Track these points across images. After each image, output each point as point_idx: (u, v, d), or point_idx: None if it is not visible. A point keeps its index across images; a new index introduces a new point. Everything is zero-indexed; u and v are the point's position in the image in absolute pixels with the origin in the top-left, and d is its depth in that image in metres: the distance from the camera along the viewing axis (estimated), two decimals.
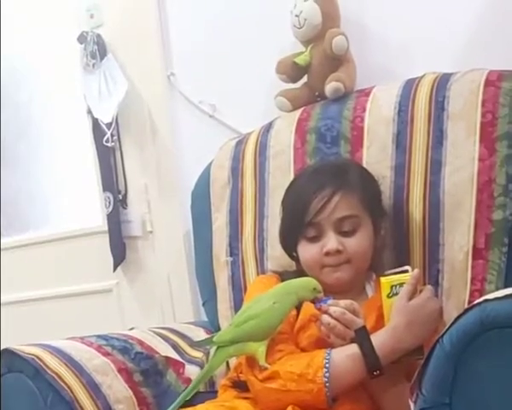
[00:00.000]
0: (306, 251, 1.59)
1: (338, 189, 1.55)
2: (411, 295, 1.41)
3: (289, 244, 1.66)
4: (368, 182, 1.63)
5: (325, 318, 1.43)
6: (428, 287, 1.46)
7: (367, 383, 1.43)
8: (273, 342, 1.48)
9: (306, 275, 1.58)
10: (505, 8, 1.77)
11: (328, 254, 1.55)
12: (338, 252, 1.55)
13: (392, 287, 1.44)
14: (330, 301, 1.44)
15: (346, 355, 1.39)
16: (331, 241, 1.55)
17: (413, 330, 1.38)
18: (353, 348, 1.40)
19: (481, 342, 1.10)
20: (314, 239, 1.57)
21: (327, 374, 1.37)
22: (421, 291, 1.44)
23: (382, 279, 1.46)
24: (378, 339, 1.39)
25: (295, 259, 1.67)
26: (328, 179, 1.57)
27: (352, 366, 1.39)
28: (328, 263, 1.56)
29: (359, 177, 1.62)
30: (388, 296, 1.44)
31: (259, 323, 1.46)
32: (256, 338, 1.46)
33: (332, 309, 1.42)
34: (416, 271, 1.46)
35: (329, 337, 1.43)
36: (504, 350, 1.08)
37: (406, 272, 1.47)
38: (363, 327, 1.42)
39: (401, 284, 1.43)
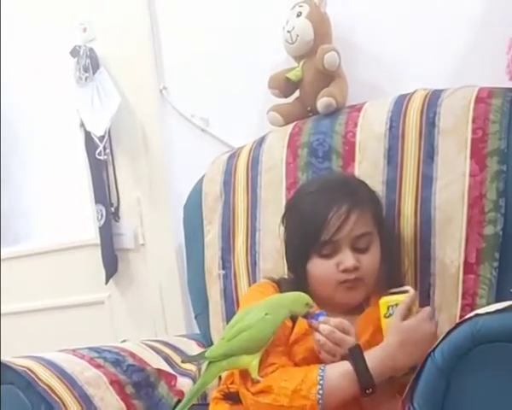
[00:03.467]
0: (321, 268, 1.56)
1: (354, 206, 1.54)
2: (405, 316, 1.40)
3: (298, 261, 1.62)
4: (375, 198, 1.63)
5: (316, 335, 1.43)
6: (426, 309, 1.44)
7: (361, 399, 1.42)
8: (266, 355, 1.48)
9: (303, 286, 1.58)
10: (496, 25, 1.79)
11: (345, 270, 1.54)
12: (355, 269, 1.54)
13: (388, 307, 1.43)
14: (322, 318, 1.44)
15: (339, 373, 1.39)
16: (348, 258, 1.53)
17: (406, 349, 1.37)
18: (347, 366, 1.39)
19: (472, 357, 1.11)
20: (328, 256, 1.55)
21: (320, 391, 1.37)
22: (418, 312, 1.43)
23: (381, 300, 1.45)
24: (371, 357, 1.39)
25: (299, 275, 1.62)
26: (343, 196, 1.55)
27: (345, 384, 1.38)
28: (346, 278, 1.54)
29: (368, 193, 1.62)
30: (385, 316, 1.44)
31: (252, 335, 1.46)
32: (249, 351, 1.46)
33: (321, 327, 1.43)
34: (412, 292, 1.44)
35: (320, 353, 1.44)
36: (495, 364, 1.10)
37: (406, 292, 1.46)
38: (358, 346, 1.41)
39: (397, 305, 1.43)
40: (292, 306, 1.48)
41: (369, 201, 1.60)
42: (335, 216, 1.52)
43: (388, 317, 1.43)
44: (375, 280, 1.60)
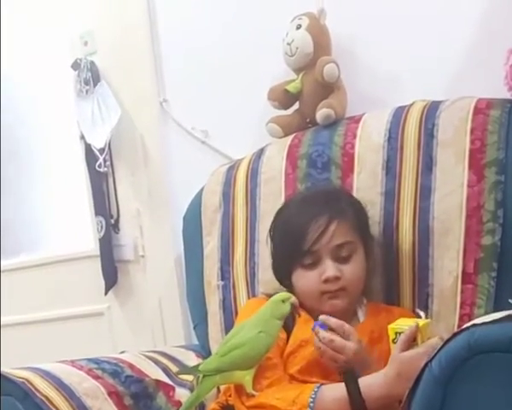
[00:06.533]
0: (303, 279, 1.59)
1: (334, 216, 1.56)
2: (406, 346, 1.37)
3: (283, 273, 1.66)
4: (358, 208, 1.65)
5: (317, 342, 1.44)
6: (430, 342, 1.37)
7: None
8: (260, 369, 1.49)
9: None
10: (494, 37, 1.80)
11: (327, 281, 1.55)
12: (336, 278, 1.55)
13: (396, 334, 1.40)
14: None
15: (332, 396, 1.40)
16: (330, 268, 1.55)
17: (402, 381, 1.32)
18: (341, 390, 1.40)
19: (470, 367, 1.10)
20: (311, 267, 1.57)
21: None
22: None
23: (389, 325, 1.42)
24: (368, 383, 1.39)
25: (287, 286, 1.65)
26: (323, 207, 1.58)
27: (336, 408, 1.39)
28: (327, 289, 1.56)
29: (350, 203, 1.64)
30: (393, 342, 1.41)
31: (245, 352, 1.47)
32: (242, 367, 1.47)
33: (321, 335, 1.43)
34: (415, 323, 1.39)
35: (322, 358, 1.44)
36: (492, 374, 1.09)
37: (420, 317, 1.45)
38: (352, 369, 1.42)
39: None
40: (275, 312, 1.49)
41: (351, 211, 1.62)
42: (315, 226, 1.55)
43: (395, 343, 1.41)
44: (364, 289, 1.62)
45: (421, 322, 1.40)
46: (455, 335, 1.14)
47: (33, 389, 1.56)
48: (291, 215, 1.64)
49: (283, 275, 1.66)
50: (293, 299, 1.50)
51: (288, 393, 1.42)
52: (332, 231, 1.56)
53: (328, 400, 1.39)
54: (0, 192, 2.75)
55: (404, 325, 1.41)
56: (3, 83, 2.67)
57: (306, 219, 1.57)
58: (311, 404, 1.38)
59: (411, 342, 1.37)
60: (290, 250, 1.60)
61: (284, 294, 1.52)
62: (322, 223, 1.55)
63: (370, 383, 1.39)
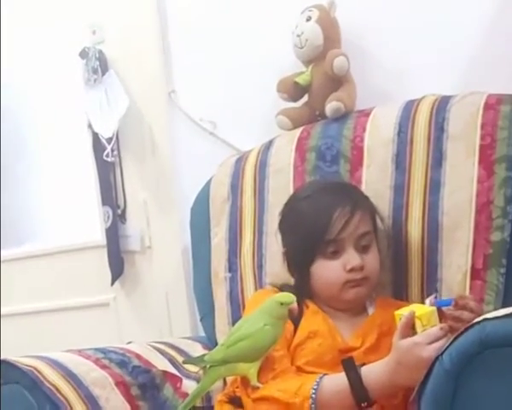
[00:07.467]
0: (326, 269, 1.57)
1: (356, 206, 1.57)
2: (404, 334, 1.34)
3: (301, 263, 1.62)
4: (370, 200, 1.66)
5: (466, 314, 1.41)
6: (429, 331, 1.33)
7: None
8: (267, 361, 1.49)
9: (305, 290, 1.60)
10: (504, 31, 1.80)
11: (352, 270, 1.55)
12: (361, 268, 1.55)
13: (401, 319, 1.38)
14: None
15: (334, 386, 1.40)
16: (354, 257, 1.55)
17: (403, 370, 1.33)
18: (342, 379, 1.39)
19: (480, 361, 1.11)
20: (333, 256, 1.56)
21: (313, 406, 1.38)
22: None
23: (395, 312, 1.41)
24: (368, 371, 1.39)
25: (301, 278, 1.63)
26: (344, 197, 1.58)
27: (338, 397, 1.39)
28: (352, 278, 1.55)
29: (363, 195, 1.66)
30: None
31: (250, 344, 1.47)
32: (247, 359, 1.47)
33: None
34: (411, 312, 1.36)
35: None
36: (503, 369, 1.10)
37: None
38: (351, 358, 1.42)
39: None
40: (273, 312, 1.48)
41: (367, 202, 1.63)
42: (340, 215, 1.55)
43: None
44: (377, 280, 1.61)
45: (423, 310, 1.38)
46: (466, 329, 1.14)
47: (42, 378, 1.56)
48: (309, 206, 1.61)
49: (301, 266, 1.62)
50: (293, 305, 1.47)
51: (290, 384, 1.42)
52: (358, 220, 1.56)
53: (329, 390, 1.39)
54: (0, 181, 2.76)
55: (406, 311, 1.40)
56: (12, 72, 2.67)
57: (331, 209, 1.55)
58: (313, 395, 1.38)
59: (409, 329, 1.36)
60: (313, 241, 1.57)
61: (285, 297, 1.49)
62: (347, 212, 1.55)
63: (371, 371, 1.39)
